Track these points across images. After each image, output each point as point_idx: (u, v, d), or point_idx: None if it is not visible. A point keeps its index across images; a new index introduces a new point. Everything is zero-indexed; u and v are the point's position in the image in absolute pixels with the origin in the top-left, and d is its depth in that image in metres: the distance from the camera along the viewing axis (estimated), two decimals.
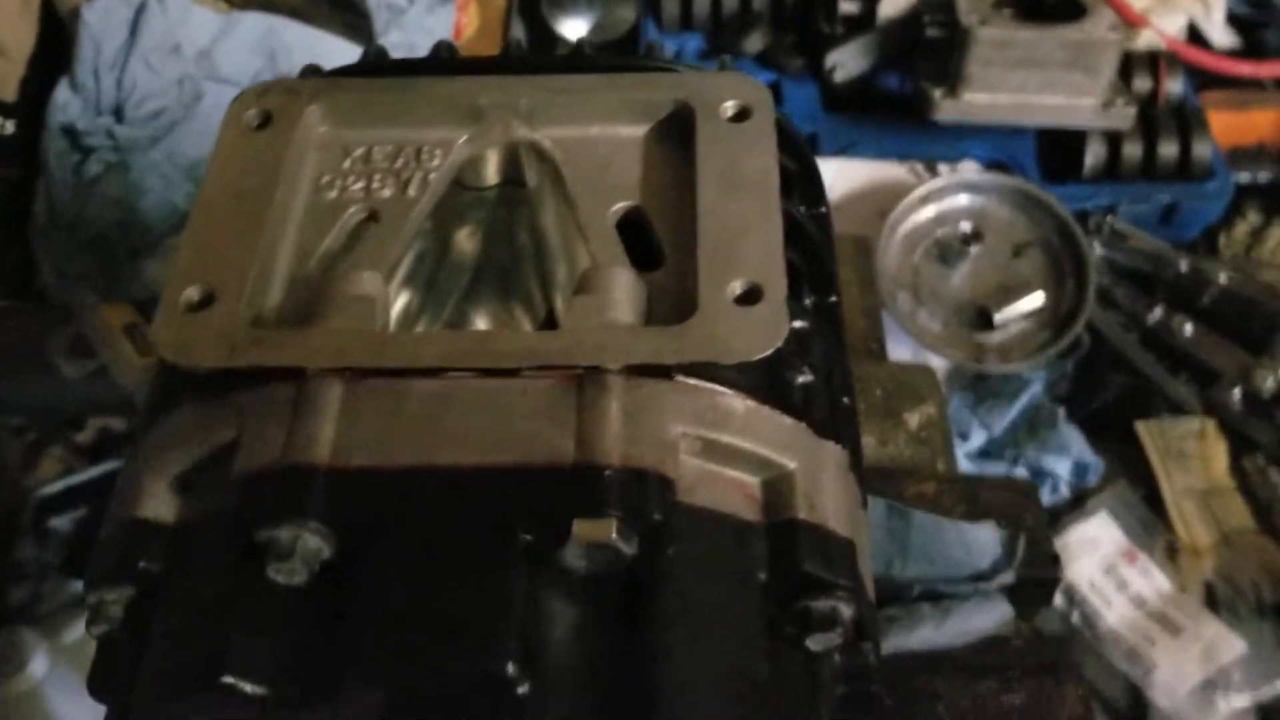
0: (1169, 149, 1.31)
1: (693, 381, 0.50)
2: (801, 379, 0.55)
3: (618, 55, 0.65)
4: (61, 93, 1.13)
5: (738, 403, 0.50)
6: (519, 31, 1.57)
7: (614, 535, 0.45)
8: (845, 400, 0.59)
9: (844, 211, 1.27)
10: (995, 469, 1.14)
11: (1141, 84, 1.35)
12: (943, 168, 1.29)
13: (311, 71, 0.67)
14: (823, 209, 0.69)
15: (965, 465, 1.14)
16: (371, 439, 0.48)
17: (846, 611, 0.48)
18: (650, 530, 0.46)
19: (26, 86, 1.16)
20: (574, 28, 1.57)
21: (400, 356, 0.50)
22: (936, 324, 1.19)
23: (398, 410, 0.49)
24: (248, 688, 0.44)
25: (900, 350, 1.17)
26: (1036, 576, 0.67)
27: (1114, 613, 1.07)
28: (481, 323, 0.67)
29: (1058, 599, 1.07)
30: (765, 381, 0.51)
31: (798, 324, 0.57)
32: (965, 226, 1.19)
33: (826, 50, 1.40)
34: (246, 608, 0.46)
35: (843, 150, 1.35)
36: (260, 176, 0.57)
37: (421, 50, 1.41)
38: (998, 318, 1.17)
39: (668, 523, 0.47)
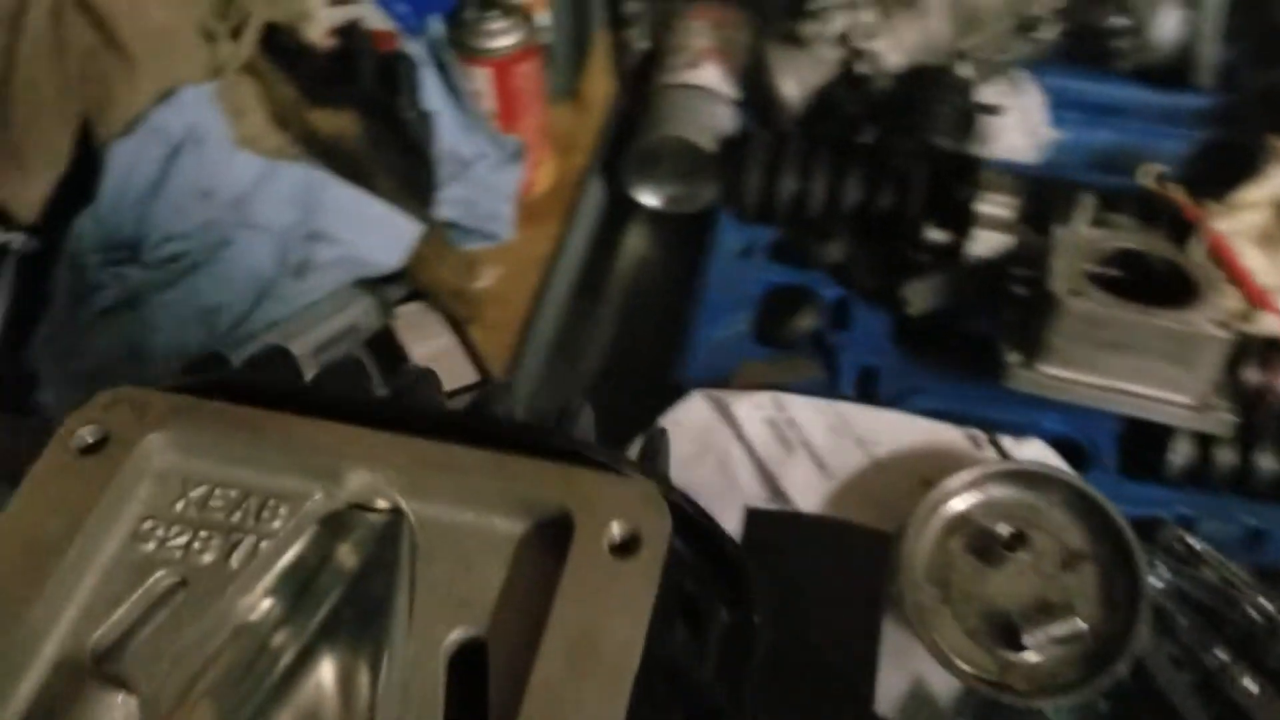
0: (1269, 464, 1.15)
1: None
2: None
3: (520, 426, 0.55)
4: (81, 222, 1.10)
5: None
6: (596, 194, 1.50)
7: None
8: None
9: (887, 472, 1.15)
10: None
11: (1250, 376, 1.19)
12: (1006, 440, 1.16)
13: (198, 366, 0.59)
14: (751, 616, 0.58)
15: None
16: None
17: None
18: None
19: (53, 207, 1.12)
20: (652, 196, 1.49)
21: None
22: (960, 630, 1.05)
23: None
24: None
25: (904, 668, 1.04)
26: None
27: None
28: (327, 670, 0.57)
29: None
30: None
31: None
32: (1005, 529, 1.05)
33: (905, 277, 1.28)
34: None
35: (901, 395, 1.22)
36: (65, 519, 0.50)
37: (479, 208, 1.35)
38: (1027, 639, 1.03)
39: None
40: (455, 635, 0.48)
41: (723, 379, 1.26)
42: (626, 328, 1.43)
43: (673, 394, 1.20)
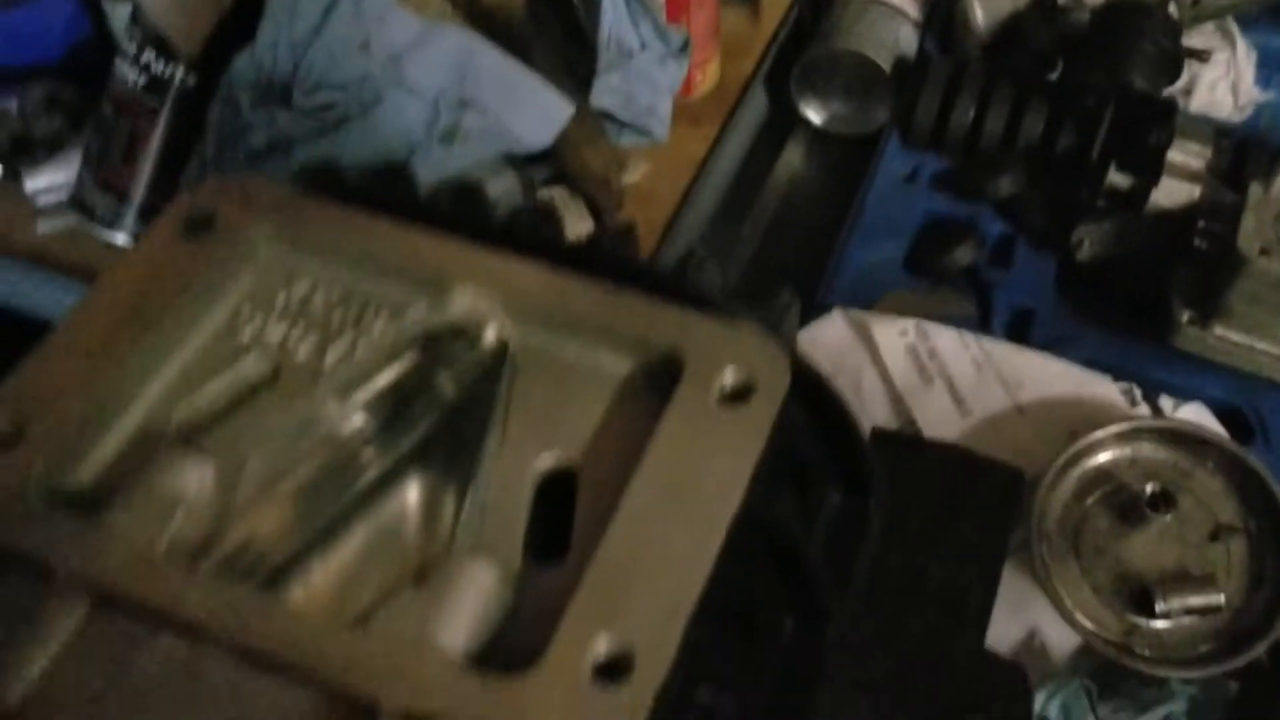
0: None
1: None
2: None
3: (637, 264, 0.51)
4: (240, 62, 1.09)
5: None
6: (758, 103, 1.45)
7: None
8: None
9: (1031, 418, 1.08)
10: None
11: None
12: (1165, 401, 1.07)
13: (313, 170, 0.57)
14: (866, 501, 0.54)
15: None
16: (79, 697, 0.38)
17: None
18: None
19: (211, 46, 1.13)
20: (819, 113, 1.43)
21: (161, 597, 0.40)
22: (1087, 587, 0.99)
23: (126, 667, 0.39)
24: None
25: (1019, 618, 0.97)
26: None
27: None
28: (412, 493, 0.54)
29: None
30: None
31: (707, 699, 0.42)
32: (1154, 486, 0.98)
33: (1079, 221, 1.20)
34: None
35: (1056, 342, 1.14)
36: (166, 290, 0.48)
37: (637, 102, 1.31)
38: (1161, 606, 0.96)
39: None
40: (545, 463, 0.45)
41: (867, 307, 1.20)
42: (772, 244, 1.38)
43: (813, 316, 1.15)
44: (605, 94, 1.28)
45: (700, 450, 0.43)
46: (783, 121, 1.44)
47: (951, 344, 1.11)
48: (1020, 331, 1.18)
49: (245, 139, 1.10)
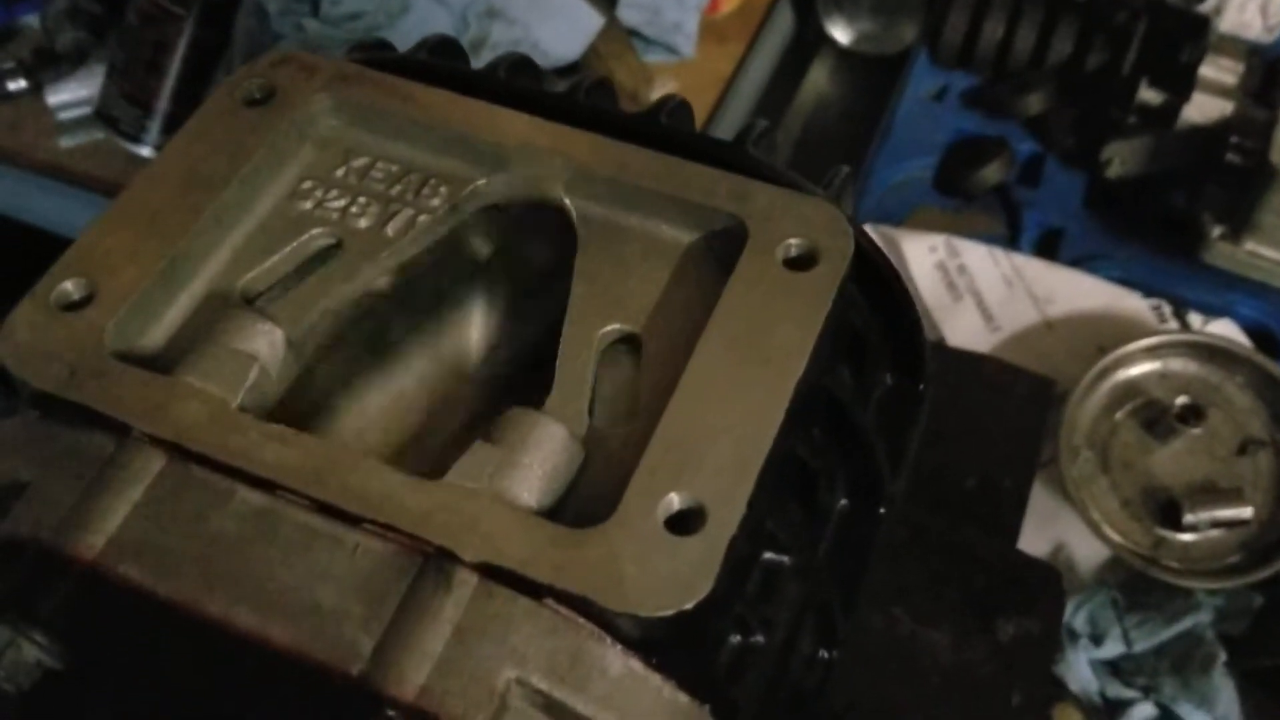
0: None
1: (564, 612, 0.37)
2: (740, 639, 0.41)
3: (696, 136, 0.51)
4: None
5: (614, 658, 0.37)
6: (785, 21, 1.43)
7: None
8: (821, 668, 0.45)
9: (1060, 333, 1.08)
10: (1120, 691, 0.94)
11: None
12: (1194, 317, 1.07)
13: (366, 48, 0.56)
14: (918, 384, 0.54)
15: (1086, 674, 0.95)
16: (157, 546, 0.38)
17: None
18: None
19: None
20: (846, 31, 1.41)
21: (237, 451, 0.40)
22: (1115, 500, 0.99)
23: (204, 519, 0.39)
24: None
25: (1046, 532, 0.98)
26: None
27: None
28: (472, 336, 0.54)
29: None
30: (673, 635, 0.38)
31: (771, 556, 0.43)
32: (1183, 400, 0.98)
33: (1109, 138, 1.19)
34: None
35: (1085, 259, 1.14)
36: (227, 160, 0.48)
37: (663, 17, 1.30)
38: (1189, 519, 0.96)
39: None
40: (610, 329, 0.45)
41: (896, 224, 1.19)
42: (799, 163, 1.36)
43: None
44: (633, 9, 1.26)
45: (766, 316, 0.43)
46: (809, 40, 1.43)
47: (981, 260, 1.11)
48: (1049, 249, 1.17)
49: (273, 49, 1.09)
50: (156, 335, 0.45)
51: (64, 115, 1.28)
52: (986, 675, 0.73)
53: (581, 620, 0.37)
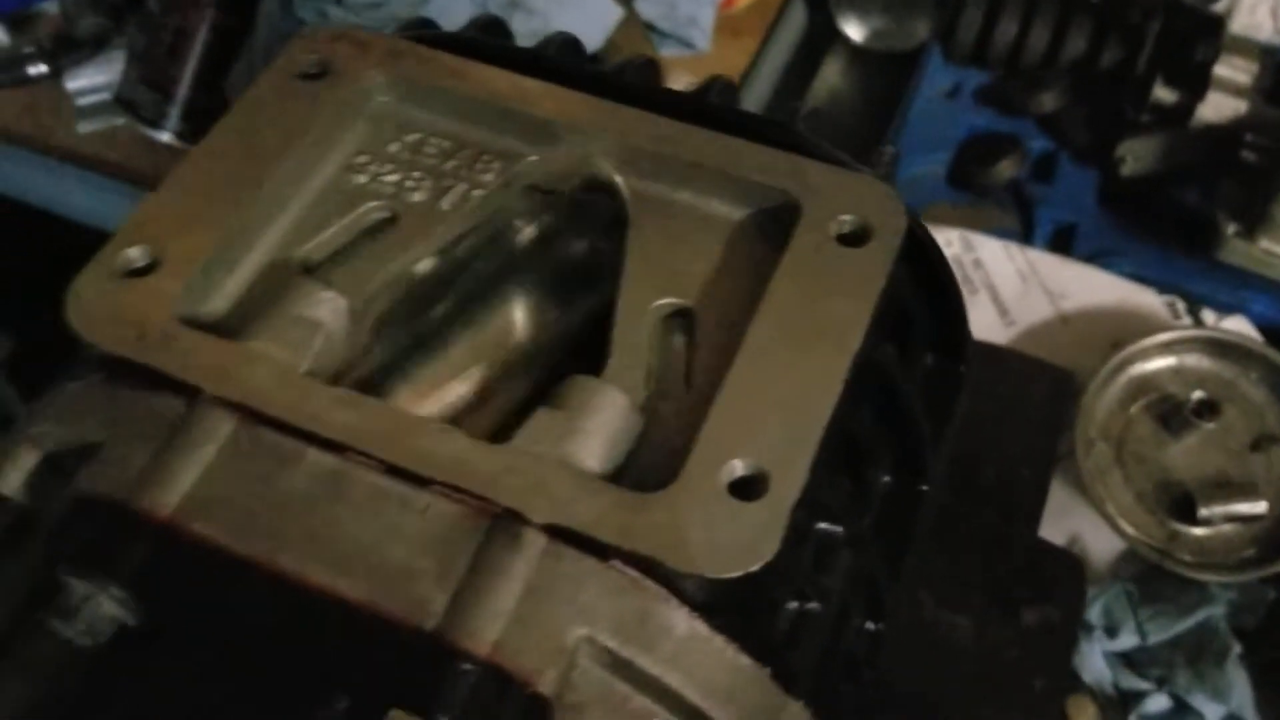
0: None
1: (631, 574, 0.38)
2: (797, 605, 0.42)
3: (746, 114, 0.52)
4: None
5: (680, 619, 0.38)
6: (798, 18, 1.44)
7: None
8: (869, 639, 0.46)
9: (1075, 328, 1.09)
10: (1134, 682, 0.95)
11: None
12: (1208, 315, 1.08)
13: (412, 27, 0.57)
14: (959, 366, 0.55)
15: (1100, 665, 0.96)
16: (230, 505, 0.39)
17: None
18: None
19: None
20: (858, 29, 1.42)
21: (307, 414, 0.41)
22: (1130, 493, 1.00)
23: (275, 479, 0.40)
24: None
25: (1061, 525, 0.99)
26: None
27: None
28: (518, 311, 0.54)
29: None
30: (736, 599, 0.39)
31: (825, 527, 0.44)
32: (1199, 394, 0.99)
33: (1122, 136, 1.20)
34: (20, 643, 0.38)
35: (1099, 255, 1.15)
36: (283, 133, 0.49)
37: (679, 11, 1.31)
38: (1203, 513, 0.97)
39: None
40: (663, 302, 0.46)
41: None
42: None
43: None
44: (649, 2, 1.27)
45: (820, 290, 0.44)
46: (821, 38, 1.44)
47: (996, 254, 1.12)
48: (1063, 245, 1.18)
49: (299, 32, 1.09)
50: (219, 302, 0.45)
51: (83, 101, 1.28)
52: (1009, 660, 0.74)
53: (648, 582, 0.38)
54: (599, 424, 0.41)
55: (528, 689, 0.35)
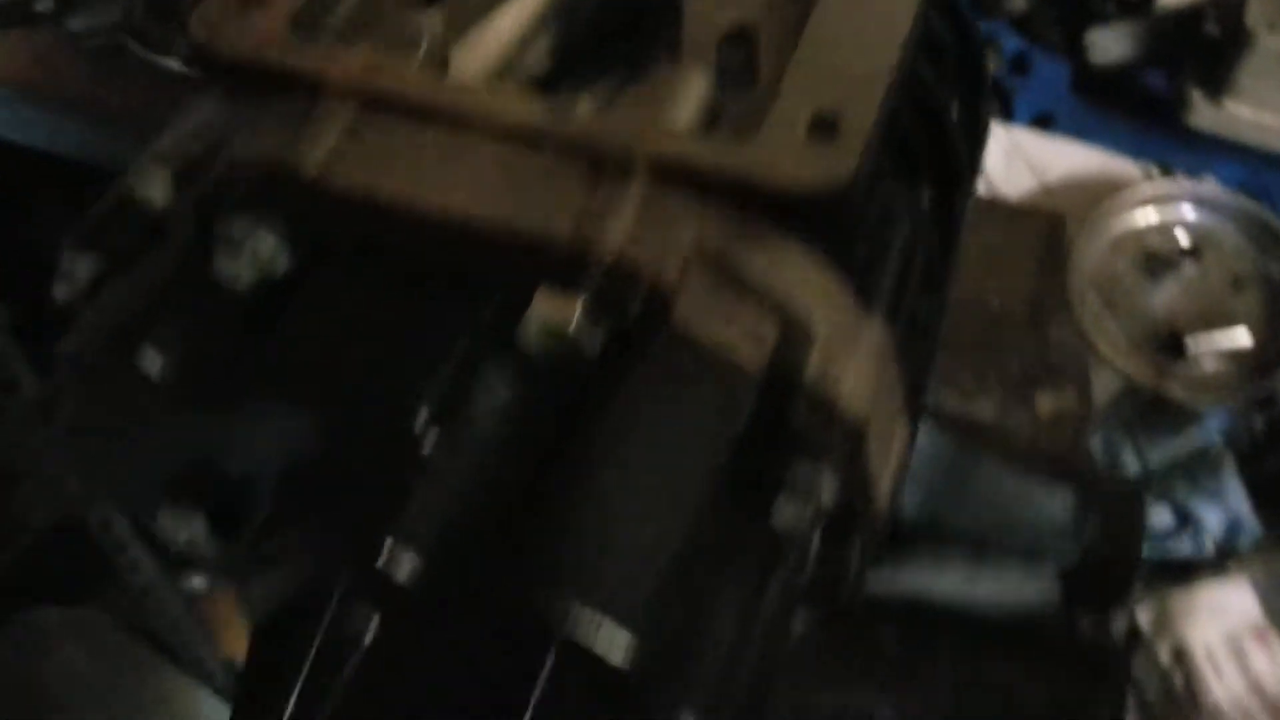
0: None
1: (730, 201, 0.43)
2: (867, 251, 0.47)
3: None
4: None
5: (774, 235, 0.43)
6: None
7: (576, 319, 0.39)
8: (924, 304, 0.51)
9: (1057, 198, 1.15)
10: None
11: None
12: (1182, 179, 1.15)
13: None
14: (981, 107, 0.60)
15: None
16: (364, 164, 0.44)
17: (829, 486, 0.40)
18: (621, 334, 0.40)
19: None
20: None
21: (425, 93, 0.45)
22: (1121, 337, 1.06)
23: (403, 146, 0.44)
24: (151, 368, 0.41)
25: None
26: (1104, 561, 0.56)
27: (1224, 688, 0.93)
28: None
29: (1164, 656, 0.95)
30: (825, 216, 0.43)
31: (890, 185, 0.49)
32: (1183, 240, 1.05)
33: (1090, 27, 1.27)
34: (178, 294, 0.42)
35: (1076, 137, 1.22)
36: None
37: None
38: (1191, 346, 1.03)
39: (644, 334, 0.40)
40: (727, 19, 0.51)
41: None
42: None
43: None
44: None
45: None
46: None
47: None
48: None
49: None
50: (333, 21, 0.50)
51: (89, 41, 1.32)
52: (1026, 440, 0.79)
53: (746, 205, 0.43)
54: (686, 95, 0.46)
55: (652, 277, 0.40)
